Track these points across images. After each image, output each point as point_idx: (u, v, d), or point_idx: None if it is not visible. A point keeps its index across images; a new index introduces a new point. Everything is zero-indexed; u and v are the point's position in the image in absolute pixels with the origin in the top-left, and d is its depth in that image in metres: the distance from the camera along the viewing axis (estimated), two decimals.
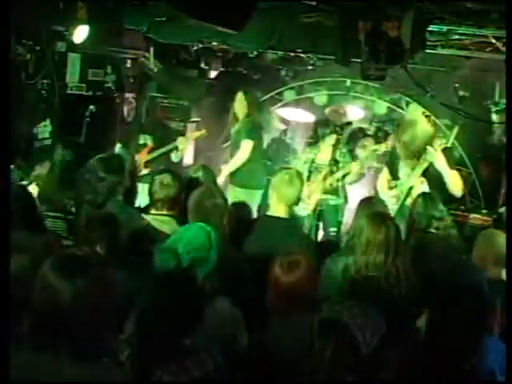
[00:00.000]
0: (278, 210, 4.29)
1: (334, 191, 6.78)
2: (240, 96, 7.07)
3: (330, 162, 6.73)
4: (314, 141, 7.21)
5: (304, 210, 6.53)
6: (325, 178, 6.67)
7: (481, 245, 4.20)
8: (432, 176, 5.76)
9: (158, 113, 8.20)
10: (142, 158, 7.19)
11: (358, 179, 7.04)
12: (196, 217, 4.08)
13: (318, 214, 6.71)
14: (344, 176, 6.78)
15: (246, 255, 4.03)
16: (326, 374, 2.20)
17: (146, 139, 7.36)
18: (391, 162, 6.15)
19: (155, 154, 7.24)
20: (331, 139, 6.83)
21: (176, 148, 7.32)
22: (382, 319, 2.27)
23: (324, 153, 6.87)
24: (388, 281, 3.64)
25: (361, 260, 3.72)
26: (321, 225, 6.92)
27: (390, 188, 6.02)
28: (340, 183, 6.82)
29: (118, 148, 7.44)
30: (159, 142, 7.32)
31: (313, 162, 6.86)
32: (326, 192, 6.70)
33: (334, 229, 6.80)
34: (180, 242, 3.19)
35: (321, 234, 6.97)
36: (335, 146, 6.83)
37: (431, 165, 5.73)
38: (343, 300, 2.78)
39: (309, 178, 6.74)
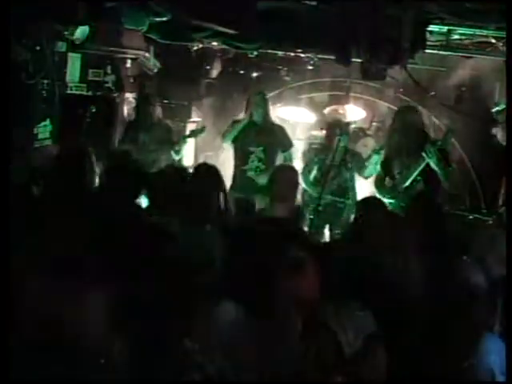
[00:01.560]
0: (275, 207, 4.29)
1: (342, 192, 6.74)
2: (259, 98, 6.95)
3: (340, 162, 6.69)
4: (326, 141, 7.16)
5: (312, 210, 6.49)
6: (333, 179, 6.63)
7: (481, 245, 4.20)
8: (428, 175, 5.76)
9: (158, 112, 8.18)
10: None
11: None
12: (187, 213, 4.07)
13: (326, 214, 6.66)
14: (352, 177, 6.74)
15: (244, 255, 4.02)
16: (311, 374, 2.20)
17: (145, 138, 7.34)
18: (386, 161, 6.15)
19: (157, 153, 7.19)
20: (344, 140, 6.77)
21: (176, 151, 7.32)
22: (371, 321, 2.26)
23: (335, 154, 6.81)
24: (399, 282, 3.62)
25: (373, 261, 3.71)
26: (327, 225, 6.88)
27: (387, 187, 6.02)
28: (349, 184, 6.77)
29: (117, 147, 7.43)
30: (158, 142, 7.30)
31: (324, 162, 6.79)
32: (334, 193, 6.66)
33: (340, 230, 6.75)
34: (190, 241, 3.18)
35: (327, 234, 6.92)
36: (346, 148, 6.78)
37: (427, 164, 5.74)
38: (337, 301, 2.78)
39: (319, 178, 6.68)
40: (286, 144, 7.07)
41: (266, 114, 6.99)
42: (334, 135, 6.85)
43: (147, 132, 7.30)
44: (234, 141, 7.00)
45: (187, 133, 8.22)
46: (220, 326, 2.96)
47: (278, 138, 7.00)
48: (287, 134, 7.21)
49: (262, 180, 6.57)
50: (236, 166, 7.02)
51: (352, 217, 6.69)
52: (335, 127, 7.03)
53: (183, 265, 3.10)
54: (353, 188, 6.78)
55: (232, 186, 6.76)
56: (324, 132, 7.82)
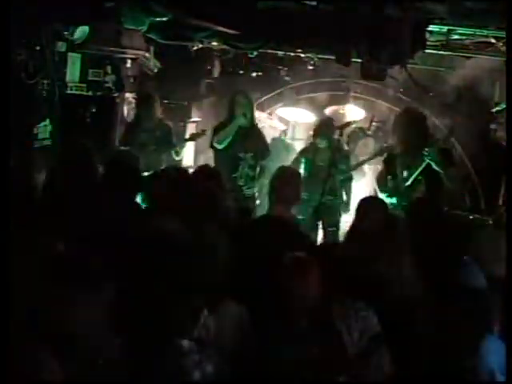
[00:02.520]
0: (277, 210, 4.28)
1: (332, 191, 6.77)
2: (244, 99, 6.52)
3: (329, 163, 6.71)
4: (314, 141, 7.19)
5: (304, 210, 6.51)
6: (324, 180, 6.65)
7: (481, 245, 4.20)
8: (430, 174, 5.76)
9: (159, 113, 8.14)
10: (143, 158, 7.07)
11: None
12: (194, 213, 4.07)
13: (318, 213, 6.70)
14: (344, 180, 6.78)
15: (246, 255, 4.02)
16: (315, 374, 2.20)
17: (145, 139, 7.28)
18: (388, 160, 6.16)
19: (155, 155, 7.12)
20: (330, 140, 6.81)
21: (176, 152, 7.26)
22: (375, 321, 2.26)
23: (323, 153, 6.86)
24: (391, 279, 3.63)
25: (366, 259, 3.72)
26: (320, 224, 6.92)
27: (388, 187, 6.03)
28: (339, 184, 6.82)
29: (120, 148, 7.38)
30: (158, 143, 7.24)
31: (312, 162, 6.81)
32: (324, 192, 6.68)
33: (333, 228, 6.81)
34: (189, 241, 3.18)
35: (320, 233, 6.97)
36: (334, 147, 6.80)
37: (428, 164, 5.74)
38: (342, 299, 2.77)
39: (307, 179, 6.67)
40: (266, 154, 6.66)
41: (253, 116, 6.58)
42: (321, 135, 6.88)
43: (148, 133, 7.26)
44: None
45: (187, 134, 8.21)
46: (222, 324, 2.96)
47: (262, 144, 6.65)
48: (266, 140, 6.87)
49: (250, 191, 6.45)
50: (224, 174, 6.19)
51: (343, 215, 6.84)
52: (321, 127, 7.04)
53: (185, 265, 3.10)
54: (340, 188, 6.83)
55: None
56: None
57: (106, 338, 2.26)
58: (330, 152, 6.76)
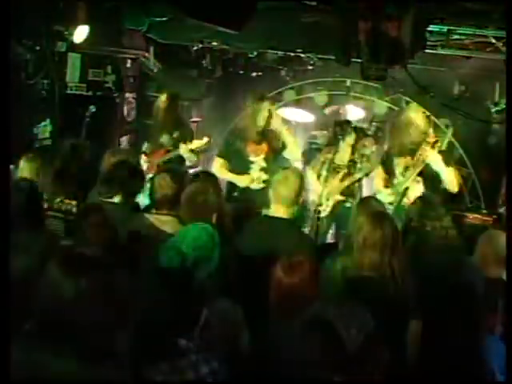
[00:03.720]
0: (276, 210, 4.29)
1: (350, 193, 6.71)
2: (259, 101, 6.20)
3: (349, 162, 6.67)
4: (333, 141, 7.14)
5: (324, 211, 6.45)
6: (343, 179, 6.63)
7: (482, 245, 4.20)
8: (428, 175, 5.76)
9: (180, 111, 7.82)
10: (154, 160, 6.92)
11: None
12: (186, 212, 4.08)
13: (334, 215, 6.65)
14: (361, 178, 6.72)
15: (244, 255, 4.03)
16: (313, 373, 2.19)
17: (165, 138, 7.06)
18: (386, 161, 6.15)
19: (166, 157, 6.95)
20: (351, 139, 6.75)
21: (180, 156, 7.11)
22: (369, 317, 2.26)
23: (343, 153, 6.77)
24: (382, 281, 3.62)
25: (357, 258, 3.72)
26: (333, 225, 6.86)
27: (386, 187, 6.02)
28: (356, 185, 6.75)
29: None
30: (176, 143, 7.03)
31: (332, 162, 6.67)
32: (343, 193, 6.65)
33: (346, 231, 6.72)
34: (184, 240, 3.18)
35: (331, 235, 6.92)
36: (354, 147, 6.77)
37: (427, 164, 5.73)
38: (335, 299, 2.77)
39: (327, 178, 6.58)
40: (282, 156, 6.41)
41: (269, 117, 6.25)
42: (340, 135, 6.84)
43: (170, 134, 7.01)
44: (232, 148, 6.34)
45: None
46: (218, 324, 2.96)
47: (276, 146, 6.36)
48: (284, 142, 6.47)
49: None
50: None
51: None
52: (340, 127, 7.02)
53: (181, 263, 3.09)
54: (360, 188, 6.79)
55: (229, 199, 6.20)
56: (326, 132, 7.80)
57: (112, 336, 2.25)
58: (350, 151, 6.72)
